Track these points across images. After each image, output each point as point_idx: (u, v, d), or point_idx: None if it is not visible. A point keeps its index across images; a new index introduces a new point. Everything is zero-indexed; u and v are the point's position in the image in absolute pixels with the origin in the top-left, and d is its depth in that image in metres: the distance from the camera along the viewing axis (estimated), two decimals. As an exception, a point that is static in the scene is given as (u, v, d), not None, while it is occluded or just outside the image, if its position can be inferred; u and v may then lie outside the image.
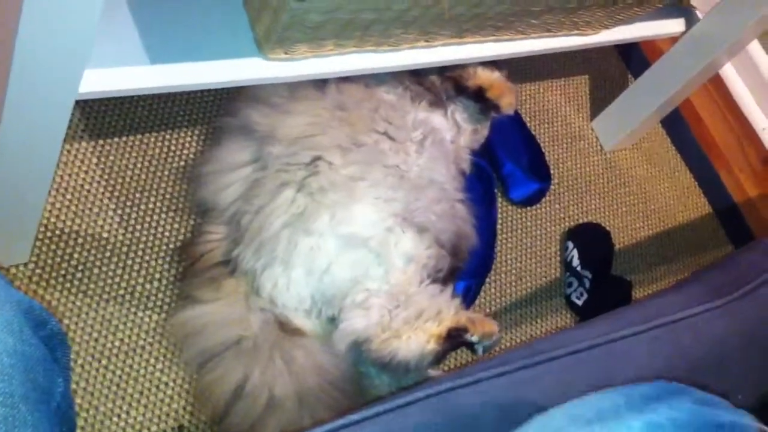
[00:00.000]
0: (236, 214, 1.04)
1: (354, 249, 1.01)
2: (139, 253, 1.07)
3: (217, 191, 1.05)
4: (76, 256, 1.03)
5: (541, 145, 1.45)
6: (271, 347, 0.99)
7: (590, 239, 1.39)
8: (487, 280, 1.29)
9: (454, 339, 1.01)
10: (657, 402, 0.58)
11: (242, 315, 1.01)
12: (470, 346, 1.02)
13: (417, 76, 1.16)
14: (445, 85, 1.20)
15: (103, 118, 1.12)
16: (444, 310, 1.01)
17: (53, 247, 1.02)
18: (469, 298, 1.23)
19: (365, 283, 1.00)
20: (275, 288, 1.01)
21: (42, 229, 1.02)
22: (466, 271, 1.22)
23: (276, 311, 1.02)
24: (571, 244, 1.37)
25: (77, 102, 0.74)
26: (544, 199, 1.42)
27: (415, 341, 0.99)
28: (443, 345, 1.00)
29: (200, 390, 1.01)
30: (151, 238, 1.08)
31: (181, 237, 1.10)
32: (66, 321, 0.99)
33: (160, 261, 1.07)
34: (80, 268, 1.02)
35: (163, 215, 1.10)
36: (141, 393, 1.00)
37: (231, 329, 1.00)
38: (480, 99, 1.20)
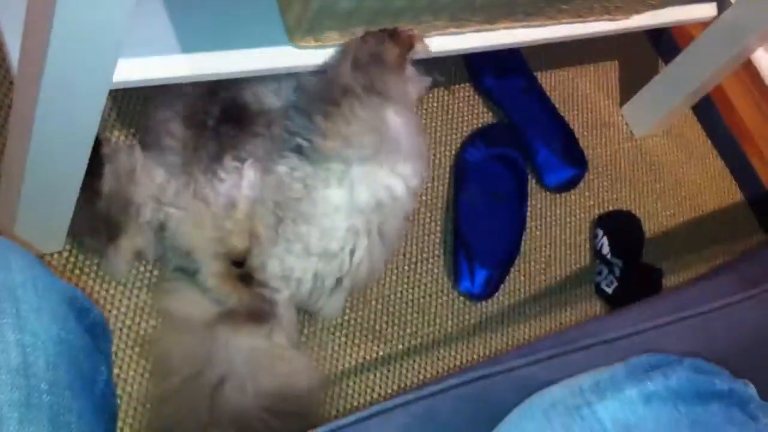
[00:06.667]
0: None
1: None
2: (171, 241, 1.07)
3: None
4: (108, 244, 1.04)
5: (571, 131, 1.44)
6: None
7: (620, 226, 1.38)
8: (516, 267, 1.28)
9: None
10: (654, 371, 0.59)
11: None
12: None
13: None
14: None
15: (134, 106, 1.12)
16: None
17: (86, 235, 1.03)
18: (489, 288, 1.23)
19: None
20: None
21: (75, 217, 1.03)
22: (489, 261, 1.22)
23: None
24: (600, 232, 1.36)
25: (109, 91, 0.74)
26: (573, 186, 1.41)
27: None
28: None
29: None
30: (182, 226, 1.09)
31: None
32: (99, 308, 1.01)
33: (191, 249, 1.08)
34: (113, 255, 1.03)
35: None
36: (173, 379, 1.01)
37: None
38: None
